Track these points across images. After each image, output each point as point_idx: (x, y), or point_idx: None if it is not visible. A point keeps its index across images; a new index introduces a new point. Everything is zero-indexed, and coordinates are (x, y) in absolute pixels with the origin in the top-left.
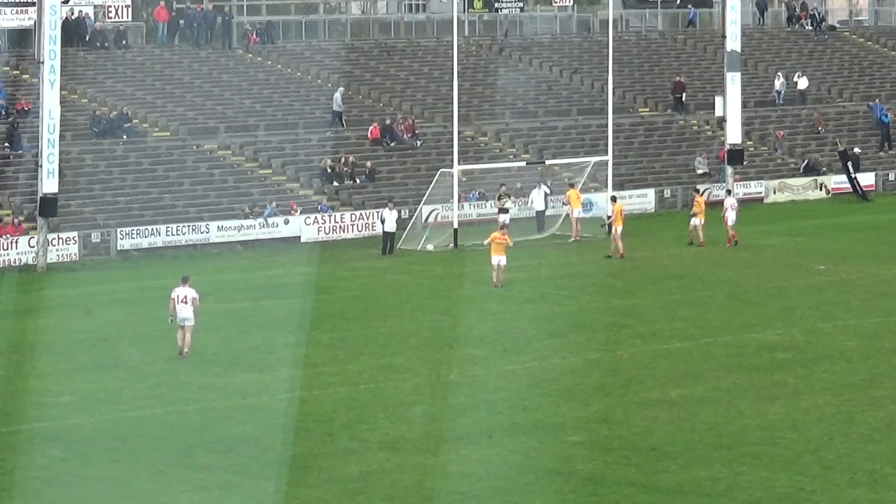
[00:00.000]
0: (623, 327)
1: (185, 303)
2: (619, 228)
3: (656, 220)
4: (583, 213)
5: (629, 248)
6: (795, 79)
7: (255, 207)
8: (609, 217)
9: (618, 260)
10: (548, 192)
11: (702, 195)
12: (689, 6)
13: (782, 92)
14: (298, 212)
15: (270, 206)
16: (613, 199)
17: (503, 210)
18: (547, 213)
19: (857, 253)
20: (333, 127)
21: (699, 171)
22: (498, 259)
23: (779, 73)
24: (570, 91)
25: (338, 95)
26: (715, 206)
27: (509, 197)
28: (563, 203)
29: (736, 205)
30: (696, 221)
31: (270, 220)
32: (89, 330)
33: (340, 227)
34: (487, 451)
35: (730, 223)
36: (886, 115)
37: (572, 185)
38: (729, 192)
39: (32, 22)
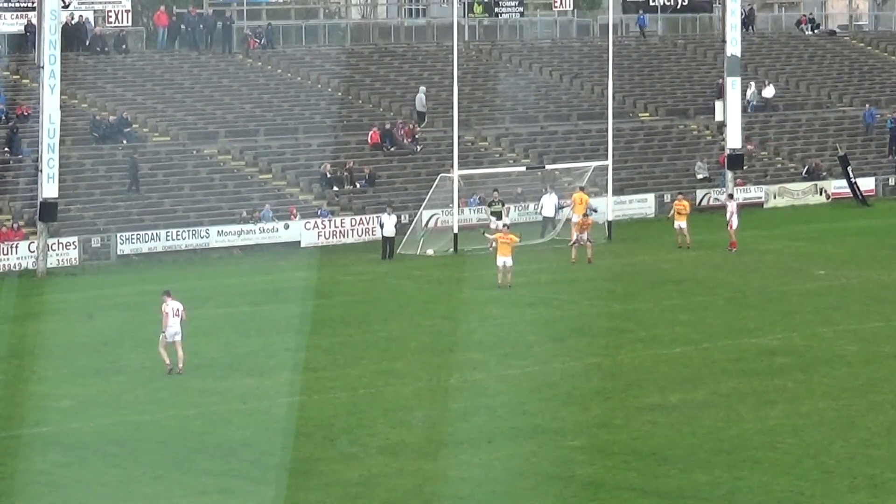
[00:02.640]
0: (623, 332)
1: (178, 315)
2: (585, 235)
3: (656, 225)
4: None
5: (629, 253)
6: (761, 89)
7: (255, 212)
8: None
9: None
10: (557, 198)
11: (683, 199)
12: (641, 12)
13: (752, 101)
14: (298, 216)
15: (264, 209)
16: (586, 215)
17: (495, 215)
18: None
19: (857, 258)
20: (420, 126)
21: (699, 176)
22: (503, 260)
23: (751, 83)
24: (570, 96)
25: (421, 96)
26: (715, 211)
27: (502, 203)
28: (567, 205)
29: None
30: (681, 224)
31: (269, 225)
32: (89, 334)
33: (340, 231)
34: (487, 455)
35: (733, 227)
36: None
37: (582, 189)
38: (731, 196)
39: (23, 27)
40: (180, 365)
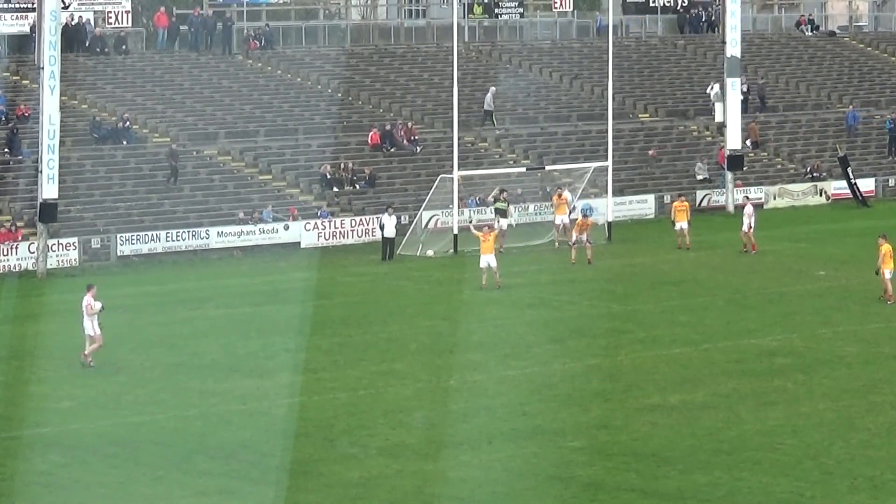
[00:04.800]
0: (623, 333)
1: (85, 311)
2: (585, 236)
3: (656, 226)
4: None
5: (629, 254)
6: (708, 90)
7: (255, 213)
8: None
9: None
10: (573, 197)
11: (683, 200)
12: (598, 14)
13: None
14: (298, 217)
15: (265, 210)
16: (585, 216)
17: (500, 212)
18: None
19: (857, 258)
20: (486, 125)
21: (699, 177)
22: (487, 259)
23: (714, 84)
24: (570, 97)
25: (490, 95)
26: (715, 212)
27: (507, 203)
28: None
29: (752, 211)
30: (683, 225)
31: (269, 226)
32: None
33: (340, 232)
34: (487, 456)
35: (749, 230)
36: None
37: (560, 191)
38: (748, 198)
39: (29, 28)
40: (87, 359)
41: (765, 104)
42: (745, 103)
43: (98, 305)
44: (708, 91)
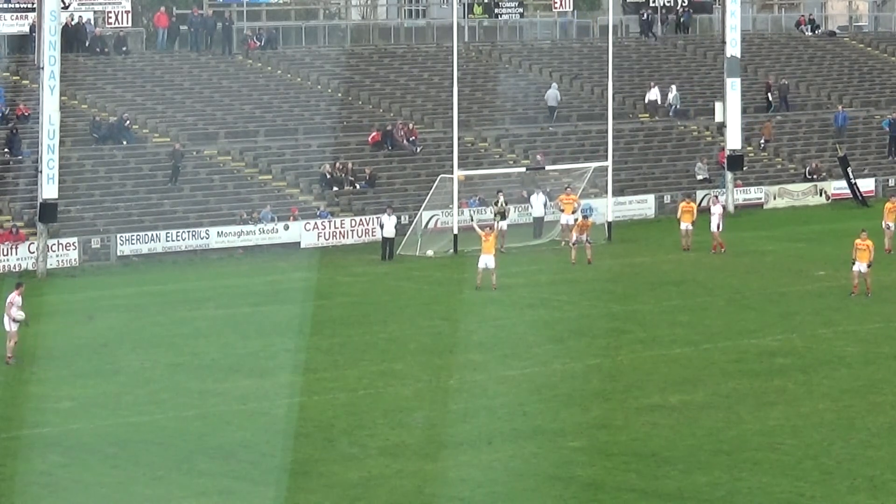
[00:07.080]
0: (623, 333)
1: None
2: (585, 236)
3: (656, 226)
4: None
5: (629, 254)
6: (667, 93)
7: (254, 213)
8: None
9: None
10: (547, 198)
11: (689, 202)
12: (573, 12)
13: (675, 105)
14: (299, 217)
15: (264, 210)
16: (585, 216)
17: (501, 216)
18: (546, 219)
19: None
20: (550, 122)
21: (699, 177)
22: (485, 260)
23: (672, 86)
24: (569, 97)
25: (556, 92)
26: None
27: (507, 204)
28: (560, 209)
29: (721, 211)
30: (688, 226)
31: (269, 226)
32: (89, 335)
33: (340, 232)
34: (487, 456)
35: (714, 230)
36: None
37: (570, 189)
38: (717, 197)
39: (29, 28)
40: (8, 357)
41: (787, 103)
42: (768, 102)
43: (18, 308)
44: (648, 96)
